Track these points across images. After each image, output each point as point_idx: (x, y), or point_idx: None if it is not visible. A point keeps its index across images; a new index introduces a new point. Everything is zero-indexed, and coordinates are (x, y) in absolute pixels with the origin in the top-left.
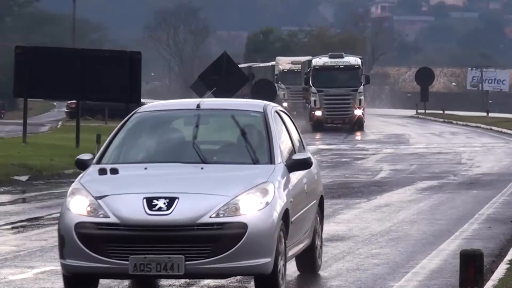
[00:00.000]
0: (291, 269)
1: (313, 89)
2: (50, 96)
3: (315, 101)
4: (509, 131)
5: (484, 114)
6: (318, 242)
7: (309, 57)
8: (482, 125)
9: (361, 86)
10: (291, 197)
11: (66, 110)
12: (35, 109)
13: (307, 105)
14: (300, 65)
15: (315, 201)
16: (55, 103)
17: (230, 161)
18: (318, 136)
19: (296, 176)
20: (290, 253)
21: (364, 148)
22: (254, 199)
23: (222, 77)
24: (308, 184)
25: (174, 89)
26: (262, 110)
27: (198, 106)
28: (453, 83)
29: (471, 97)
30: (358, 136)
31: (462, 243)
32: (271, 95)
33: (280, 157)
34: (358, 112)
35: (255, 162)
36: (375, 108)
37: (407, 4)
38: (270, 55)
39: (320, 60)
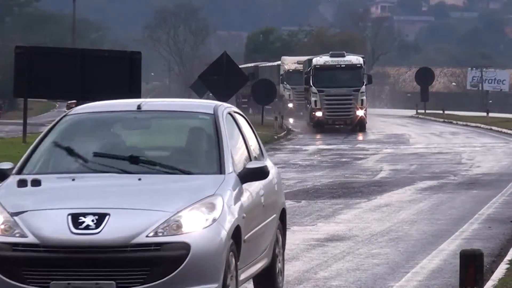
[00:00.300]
0: (291, 269)
1: (314, 89)
2: (50, 96)
3: (315, 101)
4: (509, 131)
5: (484, 114)
6: (279, 261)
7: (311, 57)
8: (482, 125)
9: (363, 86)
10: (243, 212)
11: (66, 110)
12: (35, 109)
13: (307, 105)
14: None
15: (274, 215)
16: (56, 104)
17: (173, 170)
18: (318, 136)
19: (251, 187)
20: (242, 276)
21: (364, 148)
22: (199, 216)
23: (222, 77)
24: (266, 196)
25: (174, 89)
26: (212, 112)
27: (138, 107)
28: (453, 83)
29: (471, 97)
30: (358, 136)
31: (462, 243)
32: (271, 95)
33: (232, 166)
34: (360, 112)
35: (202, 171)
36: (375, 108)
37: (407, 4)
38: (270, 55)
39: (320, 59)
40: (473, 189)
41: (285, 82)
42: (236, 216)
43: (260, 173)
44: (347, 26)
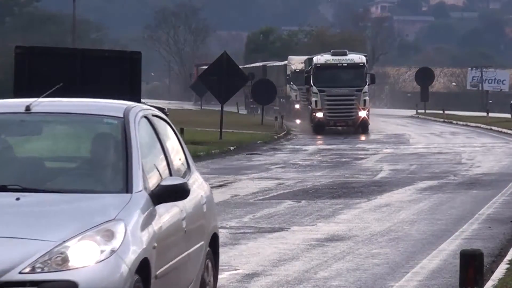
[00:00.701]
0: (291, 269)
1: (314, 88)
2: (50, 96)
3: (316, 101)
4: (509, 131)
5: (484, 114)
6: None
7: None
8: (482, 125)
9: (366, 86)
10: (155, 241)
11: None
12: None
13: (308, 106)
14: None
15: (202, 242)
16: None
17: (64, 188)
18: (318, 136)
19: (168, 209)
20: None
21: (364, 148)
22: (92, 246)
23: (222, 77)
24: (189, 220)
25: (174, 89)
26: (121, 116)
27: (27, 108)
28: (453, 83)
29: (471, 97)
30: (358, 136)
31: (462, 243)
32: (271, 95)
33: (142, 183)
34: (362, 113)
35: (103, 190)
36: (375, 108)
37: (407, 4)
38: (270, 55)
39: (321, 58)
40: (473, 189)
41: (291, 83)
42: (144, 246)
43: (178, 192)
44: (347, 26)
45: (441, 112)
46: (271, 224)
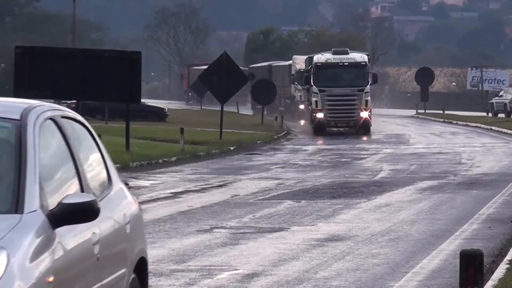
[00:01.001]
0: (291, 269)
1: (315, 88)
2: (50, 96)
3: (316, 102)
4: (509, 131)
5: (484, 114)
6: None
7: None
8: (482, 125)
9: (368, 86)
10: (52, 273)
11: None
12: None
13: (309, 107)
14: None
15: (123, 270)
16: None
17: None
18: (318, 136)
19: (75, 233)
20: None
21: (364, 148)
22: None
23: (222, 78)
24: (104, 244)
25: (174, 89)
26: (18, 117)
27: None
28: (453, 83)
29: (471, 97)
30: (358, 136)
31: (462, 243)
32: (271, 95)
33: (37, 201)
34: (364, 114)
35: None
36: (375, 108)
37: (407, 4)
38: (270, 55)
39: (322, 57)
40: (473, 189)
41: (296, 83)
42: (33, 280)
43: (84, 211)
44: (347, 26)
45: (441, 112)
46: (271, 224)
